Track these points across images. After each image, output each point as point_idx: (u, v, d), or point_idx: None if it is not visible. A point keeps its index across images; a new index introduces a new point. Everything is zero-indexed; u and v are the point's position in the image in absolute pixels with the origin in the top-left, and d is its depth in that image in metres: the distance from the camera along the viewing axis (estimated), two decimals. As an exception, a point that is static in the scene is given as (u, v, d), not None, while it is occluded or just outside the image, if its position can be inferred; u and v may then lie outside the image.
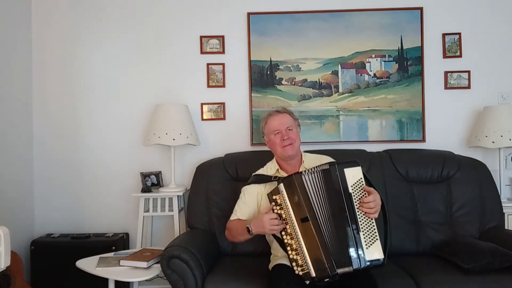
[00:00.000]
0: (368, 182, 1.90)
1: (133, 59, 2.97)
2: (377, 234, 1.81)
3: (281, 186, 1.87)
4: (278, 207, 1.88)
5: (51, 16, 2.98)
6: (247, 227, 1.94)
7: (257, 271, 2.10)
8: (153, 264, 2.23)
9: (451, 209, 2.51)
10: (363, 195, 1.83)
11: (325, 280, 1.79)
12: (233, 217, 2.16)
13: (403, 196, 2.53)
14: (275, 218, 1.86)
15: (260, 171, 2.22)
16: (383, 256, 1.79)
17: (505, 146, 2.63)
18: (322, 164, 1.89)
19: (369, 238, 1.79)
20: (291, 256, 1.84)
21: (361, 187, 1.84)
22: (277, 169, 2.16)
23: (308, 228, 1.81)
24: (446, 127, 2.91)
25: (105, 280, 2.22)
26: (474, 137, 2.76)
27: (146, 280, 2.22)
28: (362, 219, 1.81)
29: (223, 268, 2.21)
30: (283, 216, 1.86)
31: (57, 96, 2.98)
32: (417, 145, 2.87)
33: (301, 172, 1.88)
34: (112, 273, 2.17)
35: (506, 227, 2.56)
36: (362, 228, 1.79)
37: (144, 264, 2.19)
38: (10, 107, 2.74)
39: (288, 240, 1.86)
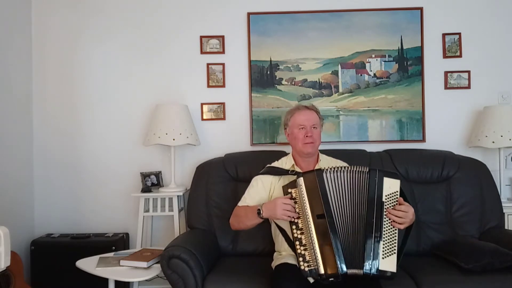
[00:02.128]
0: (405, 199, 1.88)
1: (133, 59, 2.97)
2: (396, 248, 1.80)
3: (301, 180, 1.86)
4: (292, 201, 1.88)
5: (51, 16, 2.98)
6: (259, 209, 1.93)
7: (257, 271, 2.10)
8: (153, 264, 2.23)
9: (451, 209, 2.51)
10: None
11: (330, 279, 1.78)
12: (241, 203, 2.14)
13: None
14: (289, 204, 1.85)
15: (275, 164, 2.21)
16: (395, 271, 1.78)
17: (505, 146, 2.63)
18: (357, 166, 1.88)
19: (388, 249, 1.79)
20: (298, 251, 1.83)
21: (395, 200, 1.83)
22: (293, 164, 2.16)
23: (323, 225, 1.80)
24: (446, 127, 2.91)
25: (105, 280, 2.21)
26: (474, 137, 2.76)
27: (146, 280, 2.22)
28: (387, 231, 1.80)
29: (223, 268, 2.21)
30: (297, 210, 1.86)
31: (57, 96, 2.98)
32: (417, 145, 2.87)
33: (323, 170, 1.87)
34: (112, 273, 2.16)
35: (506, 227, 2.56)
36: (384, 238, 1.79)
37: (144, 264, 2.19)
38: (10, 107, 2.74)
39: (297, 234, 1.85)
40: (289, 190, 1.90)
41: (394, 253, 1.79)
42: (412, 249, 2.42)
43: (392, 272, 1.77)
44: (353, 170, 1.86)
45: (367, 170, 1.85)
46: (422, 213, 2.50)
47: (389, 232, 1.81)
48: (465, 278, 2.01)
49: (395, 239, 1.81)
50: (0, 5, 2.67)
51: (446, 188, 2.55)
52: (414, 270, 2.12)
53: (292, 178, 1.95)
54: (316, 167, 2.10)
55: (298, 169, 2.12)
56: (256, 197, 2.12)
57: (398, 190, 1.85)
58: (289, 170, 2.10)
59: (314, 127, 2.12)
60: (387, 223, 1.81)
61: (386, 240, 1.79)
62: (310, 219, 1.81)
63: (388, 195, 1.83)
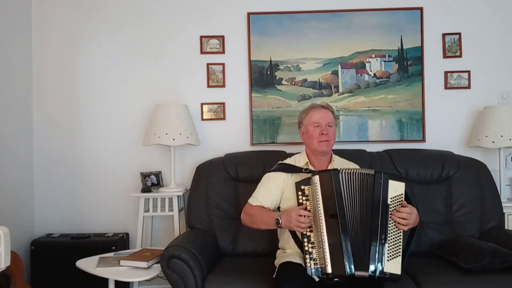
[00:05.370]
0: (409, 201, 1.90)
1: (133, 59, 2.97)
2: (400, 251, 1.82)
3: (316, 178, 1.86)
4: (304, 198, 1.89)
5: (51, 16, 2.98)
6: (277, 219, 1.93)
7: (257, 271, 2.10)
8: (153, 264, 2.23)
9: (451, 209, 2.51)
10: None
11: (335, 279, 1.79)
12: (254, 202, 2.12)
13: (403, 196, 2.53)
14: (303, 216, 1.84)
15: (288, 161, 2.21)
16: (399, 273, 1.80)
17: (505, 146, 2.63)
18: (365, 168, 1.91)
19: (393, 252, 1.81)
20: (306, 248, 1.84)
21: (399, 202, 1.85)
22: (307, 162, 2.16)
23: (334, 225, 1.81)
24: (446, 127, 2.91)
25: (105, 280, 2.22)
26: (474, 137, 2.76)
27: (146, 280, 2.22)
28: (392, 233, 1.82)
29: (223, 268, 2.21)
30: (308, 207, 1.87)
31: (57, 96, 2.98)
32: (417, 145, 2.87)
33: (339, 170, 1.88)
34: (112, 273, 2.17)
35: (506, 227, 2.56)
36: (389, 240, 1.81)
37: (144, 264, 2.19)
38: (10, 107, 2.74)
39: (307, 232, 1.85)
40: (302, 187, 1.90)
41: (399, 255, 1.81)
42: (412, 249, 2.37)
43: (396, 275, 1.79)
44: (362, 172, 1.87)
45: (373, 172, 1.87)
46: (422, 213, 2.49)
47: (394, 235, 1.82)
48: (465, 278, 2.01)
49: (400, 242, 1.83)
50: (0, 5, 2.67)
51: (446, 188, 2.55)
52: (414, 270, 2.12)
53: (305, 176, 1.95)
54: (330, 167, 2.11)
55: (311, 168, 2.12)
56: (269, 196, 2.11)
57: (403, 192, 1.87)
58: (303, 168, 2.09)
59: (329, 126, 2.12)
60: (392, 226, 1.83)
61: (391, 242, 1.81)
62: (323, 218, 1.82)
63: (393, 197, 1.85)
